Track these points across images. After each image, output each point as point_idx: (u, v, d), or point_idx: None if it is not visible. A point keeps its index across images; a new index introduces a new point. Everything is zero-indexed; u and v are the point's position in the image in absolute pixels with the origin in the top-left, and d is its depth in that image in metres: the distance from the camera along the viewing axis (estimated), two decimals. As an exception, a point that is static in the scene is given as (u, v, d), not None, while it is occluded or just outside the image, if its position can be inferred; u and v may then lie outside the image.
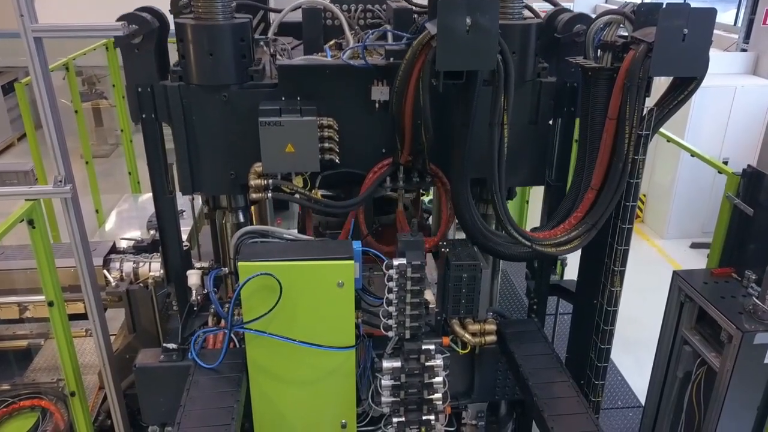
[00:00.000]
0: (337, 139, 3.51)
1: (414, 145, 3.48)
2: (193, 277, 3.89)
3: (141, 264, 4.74)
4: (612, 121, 3.32)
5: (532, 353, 3.67)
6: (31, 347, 5.14)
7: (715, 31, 3.98)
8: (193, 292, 3.88)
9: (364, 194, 3.60)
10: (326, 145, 3.46)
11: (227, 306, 3.44)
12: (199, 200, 4.88)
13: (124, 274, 4.70)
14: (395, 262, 3.15)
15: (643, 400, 4.66)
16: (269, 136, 3.31)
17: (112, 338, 4.67)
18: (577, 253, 4.02)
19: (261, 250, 3.35)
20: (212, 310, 3.91)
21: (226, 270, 4.05)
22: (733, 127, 9.31)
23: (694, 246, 9.50)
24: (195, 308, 3.98)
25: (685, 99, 3.34)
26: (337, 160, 3.53)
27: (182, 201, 5.20)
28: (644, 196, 10.33)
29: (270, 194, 3.48)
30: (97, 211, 8.11)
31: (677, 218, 9.72)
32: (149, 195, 6.19)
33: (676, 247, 9.48)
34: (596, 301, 3.90)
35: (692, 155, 4.82)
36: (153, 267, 4.68)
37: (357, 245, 3.30)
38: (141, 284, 4.64)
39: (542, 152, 3.85)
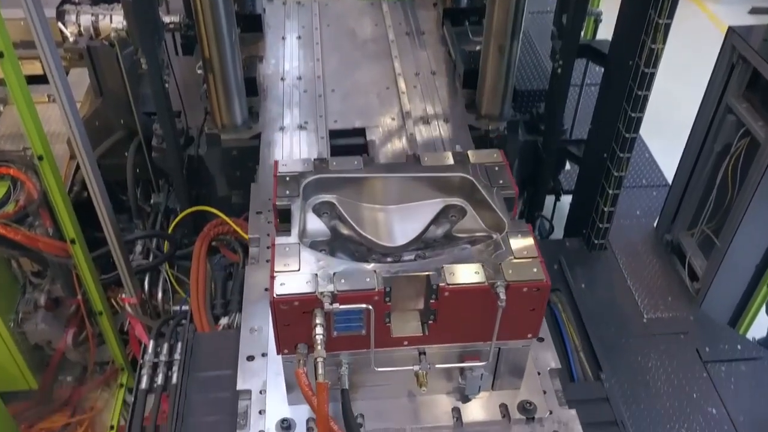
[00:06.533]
0: None
1: None
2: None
3: (101, 17, 4.44)
4: None
5: None
6: (-10, 115, 5.04)
7: None
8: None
9: None
10: None
11: None
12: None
13: (82, 28, 4.43)
14: None
15: (670, 180, 4.61)
16: None
17: (78, 105, 4.56)
18: (615, 7, 3.77)
19: None
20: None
21: None
22: None
23: (755, 11, 8.94)
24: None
25: None
26: None
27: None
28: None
29: None
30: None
31: (738, -24, 9.04)
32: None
33: (732, 12, 8.94)
34: (632, 61, 3.71)
35: None
36: (115, 20, 4.38)
37: None
38: (103, 40, 4.41)
39: None
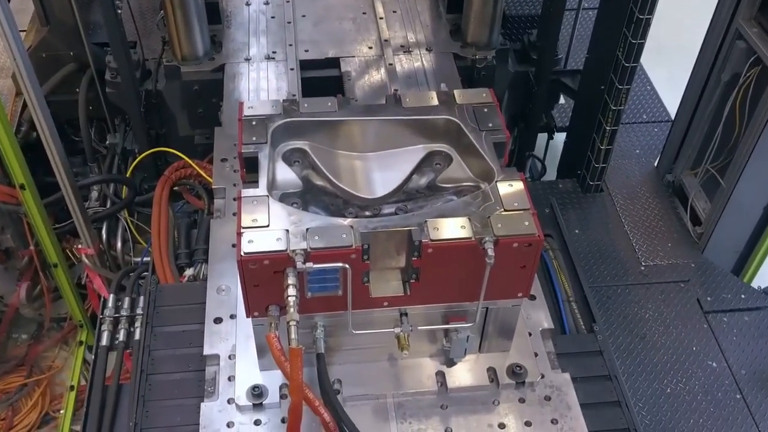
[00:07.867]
0: None
1: None
2: None
3: (42, -67, 4.25)
4: None
5: None
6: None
7: None
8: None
9: None
10: None
11: None
12: None
13: (21, -53, 4.25)
14: None
15: (673, 115, 4.57)
16: None
17: (23, 35, 4.41)
18: None
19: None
20: None
21: None
22: None
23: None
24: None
25: None
26: None
27: None
28: None
29: None
30: None
31: None
32: None
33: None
34: (634, -19, 3.67)
35: None
36: (58, -63, 4.19)
37: None
38: (47, -39, 4.28)
39: None
